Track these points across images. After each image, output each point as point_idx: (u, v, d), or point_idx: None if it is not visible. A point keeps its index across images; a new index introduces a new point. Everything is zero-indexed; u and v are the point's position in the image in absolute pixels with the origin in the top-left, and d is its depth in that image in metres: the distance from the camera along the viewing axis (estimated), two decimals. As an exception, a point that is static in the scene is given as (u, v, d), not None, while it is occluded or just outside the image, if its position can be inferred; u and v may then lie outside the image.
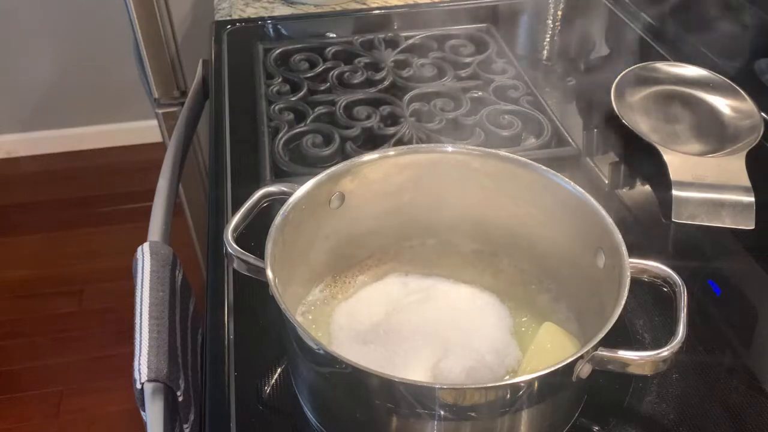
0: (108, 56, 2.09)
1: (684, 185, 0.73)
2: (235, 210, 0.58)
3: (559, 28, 1.10)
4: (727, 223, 0.71)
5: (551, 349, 0.55)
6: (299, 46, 1.01)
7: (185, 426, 0.70)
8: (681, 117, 0.84)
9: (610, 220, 0.55)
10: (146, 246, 0.78)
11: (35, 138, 2.33)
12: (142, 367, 0.66)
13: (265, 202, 0.60)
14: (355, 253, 0.65)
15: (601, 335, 0.47)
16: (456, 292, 0.62)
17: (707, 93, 0.85)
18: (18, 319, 1.80)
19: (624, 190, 0.82)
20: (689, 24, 0.98)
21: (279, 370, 0.60)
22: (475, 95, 0.90)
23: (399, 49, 0.98)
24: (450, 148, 0.64)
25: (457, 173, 0.63)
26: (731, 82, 0.84)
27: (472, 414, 0.48)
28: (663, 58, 0.93)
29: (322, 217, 0.61)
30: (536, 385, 0.48)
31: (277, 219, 0.56)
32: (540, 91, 0.92)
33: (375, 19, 1.12)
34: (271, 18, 1.14)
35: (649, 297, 0.64)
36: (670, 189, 0.72)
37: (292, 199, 0.57)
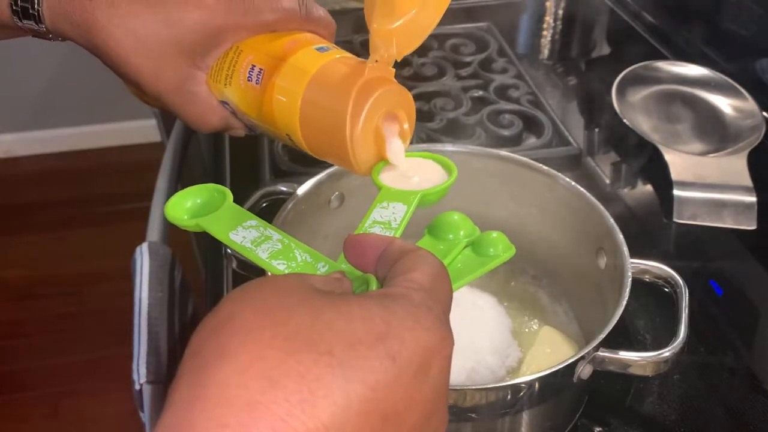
0: (107, 56, 2.07)
1: (685, 185, 0.72)
2: (234, 210, 0.58)
3: (560, 27, 1.10)
4: (729, 223, 0.70)
5: (551, 353, 0.55)
6: (299, 45, 1.00)
7: (184, 427, 0.70)
8: (682, 116, 0.84)
9: (611, 220, 0.55)
10: (145, 246, 0.78)
11: (33, 137, 2.32)
12: (140, 369, 0.66)
13: (265, 202, 0.60)
14: (355, 253, 0.65)
15: (602, 336, 0.47)
16: (456, 293, 0.62)
17: (709, 92, 0.85)
18: (17, 320, 1.80)
19: (625, 189, 0.82)
20: (691, 23, 0.98)
21: (278, 370, 0.59)
22: (476, 94, 0.90)
23: (399, 49, 0.98)
24: (450, 148, 0.64)
25: (458, 173, 0.63)
26: (733, 82, 0.84)
27: (473, 415, 0.48)
28: (664, 57, 0.93)
29: (322, 217, 0.60)
30: (537, 386, 0.48)
31: (277, 219, 0.55)
32: (541, 90, 0.91)
33: (375, 18, 1.11)
34: (271, 17, 1.13)
35: (651, 297, 0.63)
36: (672, 189, 0.72)
37: (292, 199, 0.57)
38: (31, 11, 0.44)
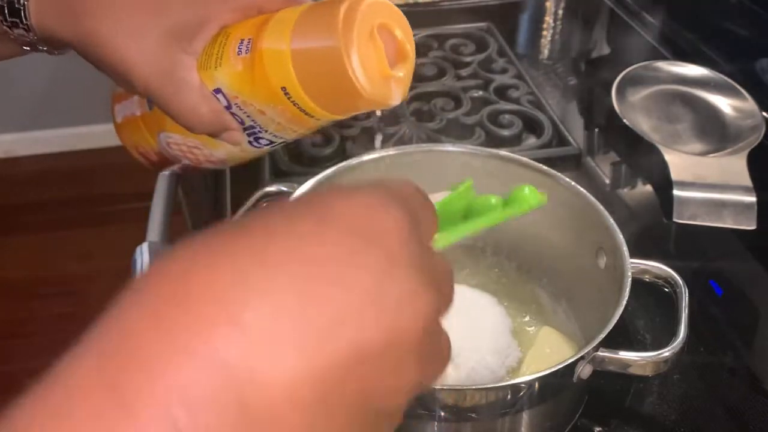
0: (107, 56, 2.07)
1: (685, 185, 0.72)
2: (234, 210, 0.58)
3: (560, 27, 1.10)
4: (729, 223, 0.70)
5: (550, 353, 0.55)
6: (299, 45, 1.00)
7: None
8: (682, 116, 0.84)
9: (611, 220, 0.55)
10: (145, 246, 0.78)
11: (33, 137, 2.32)
12: (140, 368, 0.66)
13: (265, 202, 0.60)
14: (355, 253, 0.65)
15: (602, 336, 0.47)
16: (456, 293, 0.62)
17: (709, 92, 0.85)
18: (17, 319, 1.80)
19: (625, 189, 0.82)
20: (691, 23, 0.98)
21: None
22: (476, 95, 0.90)
23: (399, 49, 0.98)
24: (450, 148, 0.64)
25: (458, 173, 0.63)
26: (733, 82, 0.84)
27: (473, 415, 0.48)
28: (664, 58, 0.93)
29: (321, 217, 0.60)
30: (537, 386, 0.48)
31: (277, 219, 0.55)
32: (541, 90, 0.91)
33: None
34: (271, 17, 1.13)
35: (651, 297, 0.63)
36: (672, 189, 0.72)
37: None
38: (16, 5, 0.44)
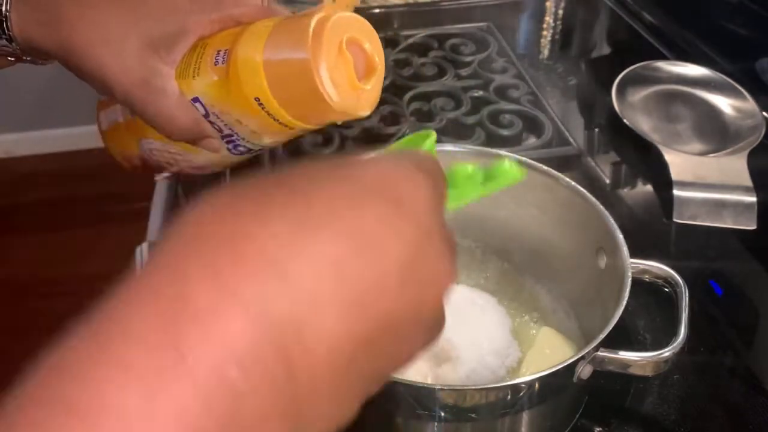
0: (107, 56, 2.07)
1: (685, 185, 0.72)
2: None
3: (560, 27, 1.10)
4: (729, 223, 0.70)
5: (550, 354, 0.55)
6: (299, 45, 1.00)
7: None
8: (682, 116, 0.84)
9: (611, 220, 0.55)
10: (145, 246, 0.78)
11: (33, 137, 2.32)
12: (140, 368, 0.66)
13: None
14: (355, 253, 0.65)
15: (602, 336, 0.47)
16: (456, 293, 0.62)
17: (709, 92, 0.85)
18: (17, 320, 1.80)
19: (625, 190, 0.82)
20: (691, 23, 0.98)
21: (278, 370, 0.59)
22: (476, 94, 0.90)
23: (399, 48, 0.98)
24: (450, 148, 0.64)
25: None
26: (733, 82, 0.84)
27: (473, 415, 0.48)
28: (664, 57, 0.93)
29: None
30: (537, 386, 0.48)
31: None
32: (541, 90, 0.91)
33: (375, 18, 1.11)
34: (271, 17, 1.13)
35: (651, 297, 0.63)
36: (672, 189, 0.72)
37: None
38: None
